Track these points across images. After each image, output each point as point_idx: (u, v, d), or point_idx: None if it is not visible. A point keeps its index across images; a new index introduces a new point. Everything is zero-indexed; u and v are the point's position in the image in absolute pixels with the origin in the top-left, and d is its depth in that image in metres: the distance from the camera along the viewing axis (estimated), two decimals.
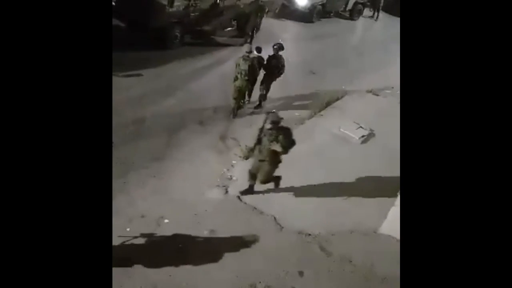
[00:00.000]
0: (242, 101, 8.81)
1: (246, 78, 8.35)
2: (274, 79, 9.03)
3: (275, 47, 8.92)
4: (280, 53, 8.90)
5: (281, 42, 9.23)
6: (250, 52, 8.54)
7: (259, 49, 8.85)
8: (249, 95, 9.05)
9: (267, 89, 9.08)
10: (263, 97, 9.18)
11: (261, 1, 12.09)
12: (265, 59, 8.86)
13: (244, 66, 8.31)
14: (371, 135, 8.53)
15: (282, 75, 9.08)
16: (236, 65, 8.45)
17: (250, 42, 11.25)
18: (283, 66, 8.96)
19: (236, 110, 8.69)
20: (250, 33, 12.25)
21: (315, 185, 6.81)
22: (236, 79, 8.43)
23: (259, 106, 9.19)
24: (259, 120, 8.60)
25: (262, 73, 8.94)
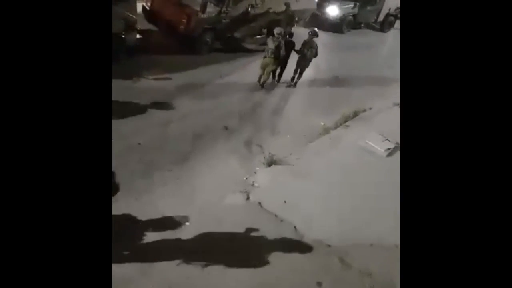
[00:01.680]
0: (272, 77, 10.27)
1: (273, 56, 9.48)
2: (307, 62, 10.23)
3: (310, 33, 10.04)
4: (314, 39, 10.05)
5: (316, 30, 10.27)
6: (280, 34, 9.47)
7: (291, 34, 10.22)
8: (278, 75, 10.46)
9: (301, 71, 10.39)
10: (297, 77, 10.49)
11: (291, 10, 12.12)
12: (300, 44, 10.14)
13: (271, 45, 9.42)
14: (397, 148, 8.41)
15: (315, 58, 10.35)
16: (267, 44, 9.64)
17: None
18: (316, 50, 10.09)
19: (263, 82, 10.03)
20: None
21: (337, 195, 6.77)
22: (265, 56, 9.67)
23: (292, 83, 10.56)
24: (284, 127, 8.71)
25: (296, 56, 10.19)
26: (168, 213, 5.79)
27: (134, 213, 5.53)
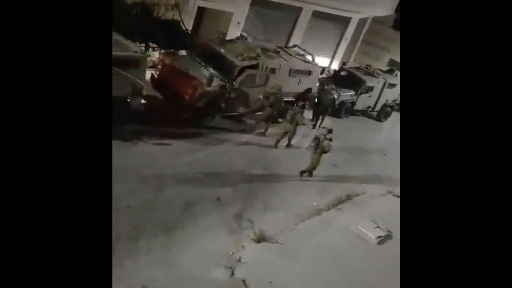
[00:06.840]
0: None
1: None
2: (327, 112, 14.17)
3: (332, 90, 14.62)
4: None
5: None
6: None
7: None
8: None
9: (323, 116, 14.10)
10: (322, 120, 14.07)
11: (280, 93, 12.32)
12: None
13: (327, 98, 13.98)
14: (388, 236, 8.30)
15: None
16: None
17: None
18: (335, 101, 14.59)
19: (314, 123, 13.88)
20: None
21: (325, 280, 6.56)
22: (317, 106, 13.93)
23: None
24: (276, 204, 8.64)
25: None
26: (149, 282, 5.57)
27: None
